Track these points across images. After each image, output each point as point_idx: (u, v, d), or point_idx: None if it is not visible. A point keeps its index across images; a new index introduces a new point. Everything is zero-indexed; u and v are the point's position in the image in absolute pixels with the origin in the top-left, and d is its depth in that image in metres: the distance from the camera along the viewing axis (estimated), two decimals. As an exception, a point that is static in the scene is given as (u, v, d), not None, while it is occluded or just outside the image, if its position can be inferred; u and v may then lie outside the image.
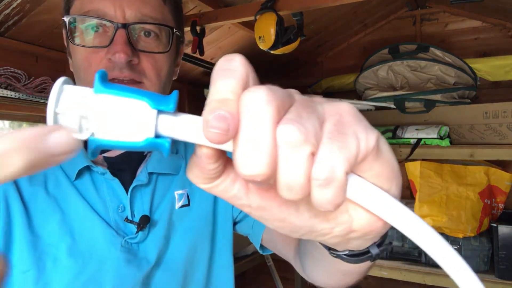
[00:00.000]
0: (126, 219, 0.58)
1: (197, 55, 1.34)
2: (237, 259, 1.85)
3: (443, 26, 1.92)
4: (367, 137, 0.21)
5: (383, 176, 0.23)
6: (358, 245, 0.28)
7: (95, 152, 0.22)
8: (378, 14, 1.93)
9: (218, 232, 0.67)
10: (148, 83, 0.57)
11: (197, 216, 0.65)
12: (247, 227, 0.69)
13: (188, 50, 1.42)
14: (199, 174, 0.23)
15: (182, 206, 0.64)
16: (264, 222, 0.25)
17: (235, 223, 0.70)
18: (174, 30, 0.58)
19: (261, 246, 0.69)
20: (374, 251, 0.30)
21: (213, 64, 1.73)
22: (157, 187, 0.63)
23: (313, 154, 0.20)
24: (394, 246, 1.69)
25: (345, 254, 0.31)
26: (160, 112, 0.22)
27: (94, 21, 0.55)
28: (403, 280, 1.64)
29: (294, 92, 0.22)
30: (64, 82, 0.22)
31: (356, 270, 0.38)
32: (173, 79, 0.65)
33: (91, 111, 0.21)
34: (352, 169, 0.21)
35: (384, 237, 0.31)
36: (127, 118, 0.21)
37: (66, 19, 0.56)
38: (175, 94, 0.22)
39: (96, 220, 0.57)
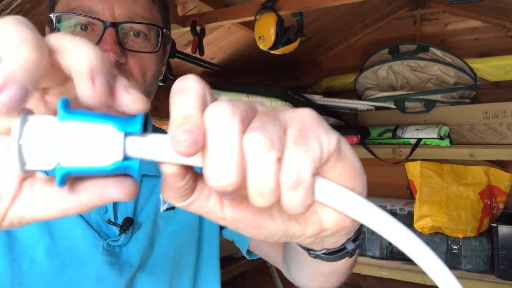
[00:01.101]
0: (109, 221, 0.56)
1: (197, 55, 1.34)
2: (236, 259, 1.84)
3: (443, 26, 1.92)
4: (329, 139, 0.22)
5: (346, 175, 0.24)
6: (333, 243, 0.30)
7: (63, 180, 0.21)
8: (378, 14, 1.93)
9: (204, 237, 0.66)
10: (133, 83, 0.55)
11: (182, 220, 0.64)
12: (234, 232, 0.68)
13: (188, 50, 1.42)
14: (171, 194, 0.23)
15: (167, 209, 0.63)
16: (241, 232, 0.25)
17: (221, 228, 0.69)
18: (164, 30, 0.57)
19: (248, 251, 0.68)
20: (350, 246, 0.32)
21: (213, 64, 1.74)
22: (141, 189, 0.61)
23: (279, 159, 0.21)
24: (394, 246, 1.69)
25: (323, 253, 0.32)
26: (127, 134, 0.22)
27: (82, 18, 0.53)
28: (403, 280, 1.64)
29: (256, 104, 0.23)
30: (27, 113, 0.21)
31: (337, 270, 0.39)
32: (160, 79, 0.64)
33: (56, 140, 0.21)
34: (318, 171, 0.22)
35: (358, 232, 0.32)
36: (94, 143, 0.21)
37: (53, 16, 0.54)
38: (140, 115, 0.22)
39: (77, 220, 0.55)
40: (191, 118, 0.20)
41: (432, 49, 1.72)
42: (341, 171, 0.23)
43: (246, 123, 0.21)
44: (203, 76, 1.87)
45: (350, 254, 0.33)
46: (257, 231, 0.25)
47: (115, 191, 0.22)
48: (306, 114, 0.23)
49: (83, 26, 0.54)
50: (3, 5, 0.99)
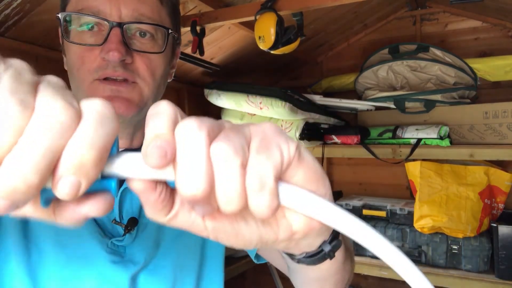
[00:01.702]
0: (114, 221, 0.57)
1: (197, 55, 1.34)
2: (237, 259, 1.84)
3: (443, 26, 1.92)
4: (288, 146, 0.24)
5: (308, 179, 0.25)
6: (308, 245, 0.32)
7: (47, 201, 0.22)
8: (378, 14, 1.93)
9: (209, 240, 0.66)
10: (142, 83, 0.56)
11: None
12: None
13: (188, 50, 1.42)
14: (151, 210, 0.24)
15: None
16: (222, 242, 0.27)
17: None
18: (170, 31, 0.58)
19: (256, 255, 0.68)
20: (327, 248, 0.34)
21: (213, 64, 1.74)
22: None
23: (244, 166, 0.22)
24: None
25: (303, 257, 0.34)
26: None
27: (89, 18, 0.54)
28: (403, 280, 1.64)
29: (223, 121, 0.25)
30: None
31: (327, 274, 0.40)
32: (168, 81, 0.64)
33: None
34: (280, 176, 0.24)
35: (334, 234, 0.34)
36: None
37: (61, 16, 0.55)
38: (116, 138, 0.23)
39: None
40: (161, 136, 0.22)
41: (432, 49, 1.72)
42: (303, 176, 0.25)
43: (212, 136, 0.23)
44: (203, 76, 1.87)
45: (329, 255, 0.34)
46: (235, 239, 0.27)
47: (93, 207, 0.23)
48: (267, 127, 0.25)
49: (90, 26, 0.55)
50: (3, 5, 0.99)
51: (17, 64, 0.20)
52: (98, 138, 0.20)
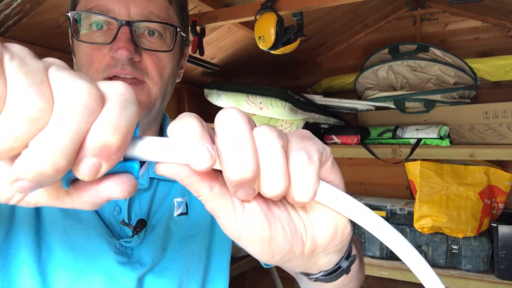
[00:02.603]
0: (123, 222, 0.57)
1: (197, 55, 1.34)
2: (237, 259, 1.84)
3: (443, 26, 1.92)
4: (325, 146, 0.26)
5: (337, 185, 0.27)
6: (328, 263, 0.32)
7: (67, 182, 0.22)
8: (378, 14, 1.93)
9: (215, 244, 0.66)
10: (150, 82, 0.56)
11: (194, 226, 0.64)
12: None
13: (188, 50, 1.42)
14: (196, 181, 0.24)
15: (181, 214, 0.63)
16: (255, 248, 0.27)
17: None
18: (178, 29, 0.58)
19: None
20: (344, 264, 0.34)
21: (213, 64, 1.74)
22: (157, 193, 0.62)
23: (286, 151, 0.23)
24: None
25: (321, 276, 0.34)
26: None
27: (98, 17, 0.54)
28: (403, 280, 1.64)
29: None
30: None
31: (341, 286, 0.40)
32: (177, 81, 0.64)
33: None
34: (320, 167, 0.25)
35: (349, 250, 0.34)
36: None
37: (71, 15, 0.55)
38: (137, 121, 0.23)
39: (93, 217, 0.56)
40: (204, 138, 0.23)
41: (432, 49, 1.72)
42: (337, 180, 0.27)
43: (252, 124, 0.24)
44: (203, 76, 1.87)
45: (346, 271, 0.35)
46: (268, 244, 0.26)
47: (117, 189, 0.22)
48: (303, 131, 0.27)
49: (99, 25, 0.55)
50: (3, 5, 0.99)
51: (20, 51, 0.20)
52: (122, 122, 0.20)
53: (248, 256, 1.97)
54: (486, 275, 1.51)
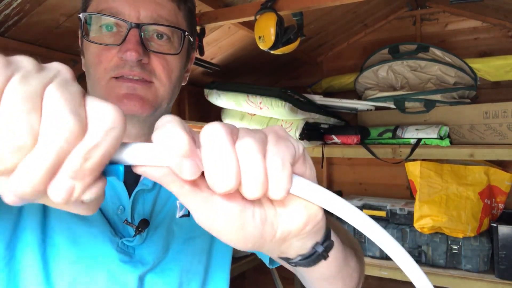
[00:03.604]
0: (126, 221, 0.58)
1: (197, 55, 1.34)
2: (237, 259, 1.85)
3: (443, 26, 1.92)
4: (298, 145, 0.28)
5: (309, 178, 0.29)
6: (301, 246, 0.34)
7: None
8: (378, 14, 1.93)
9: (216, 247, 0.67)
10: (158, 83, 0.57)
11: (196, 228, 0.64)
12: None
13: (188, 50, 1.42)
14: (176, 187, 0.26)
15: (183, 216, 0.64)
16: (225, 235, 0.29)
17: None
18: (186, 33, 0.59)
19: (270, 260, 0.67)
20: (319, 249, 0.35)
21: (213, 64, 1.74)
22: (160, 194, 0.63)
23: (265, 156, 0.26)
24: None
25: (299, 260, 0.36)
26: None
27: (108, 19, 0.55)
28: (403, 280, 1.64)
29: (235, 126, 0.28)
30: None
31: (330, 273, 0.41)
32: (183, 84, 0.65)
33: None
34: (293, 166, 0.27)
35: (325, 236, 0.36)
36: None
37: (82, 16, 0.57)
38: None
39: (97, 215, 0.56)
40: (191, 151, 0.24)
41: (432, 49, 1.72)
42: (308, 174, 0.29)
43: (235, 134, 0.26)
44: (203, 76, 1.87)
45: (323, 256, 0.36)
46: (241, 231, 0.28)
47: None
48: (277, 128, 0.29)
49: (109, 27, 0.56)
50: (3, 5, 0.99)
51: (25, 63, 0.22)
52: (102, 149, 0.22)
53: (248, 256, 1.97)
54: (486, 275, 1.51)
